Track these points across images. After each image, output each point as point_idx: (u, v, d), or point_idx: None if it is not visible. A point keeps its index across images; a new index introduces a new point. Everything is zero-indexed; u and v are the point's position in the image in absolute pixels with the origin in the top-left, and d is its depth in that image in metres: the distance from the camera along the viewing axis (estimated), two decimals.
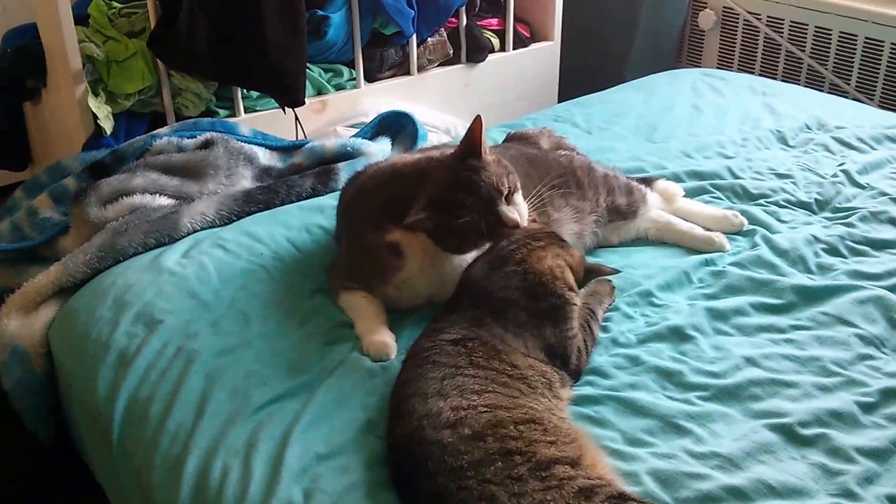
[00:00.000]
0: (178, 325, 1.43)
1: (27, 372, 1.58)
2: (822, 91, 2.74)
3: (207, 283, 1.53)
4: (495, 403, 1.11)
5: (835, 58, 2.81)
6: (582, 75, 3.07)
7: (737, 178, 1.89)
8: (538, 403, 1.15)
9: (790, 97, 2.37)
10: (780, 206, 1.79)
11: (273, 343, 1.39)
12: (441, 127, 2.55)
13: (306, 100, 2.35)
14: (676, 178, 1.87)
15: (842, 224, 1.72)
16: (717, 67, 3.06)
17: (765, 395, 1.26)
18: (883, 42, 2.68)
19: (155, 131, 2.03)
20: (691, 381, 1.29)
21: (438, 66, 2.73)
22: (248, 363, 1.34)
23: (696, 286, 1.54)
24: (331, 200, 1.74)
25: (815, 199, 1.82)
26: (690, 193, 1.82)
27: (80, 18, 2.20)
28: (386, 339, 1.36)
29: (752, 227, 1.70)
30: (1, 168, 2.53)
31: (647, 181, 1.78)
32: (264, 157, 1.98)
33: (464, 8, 2.68)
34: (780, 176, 1.91)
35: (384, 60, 2.61)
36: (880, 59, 2.70)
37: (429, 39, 2.67)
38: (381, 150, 2.01)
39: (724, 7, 3.06)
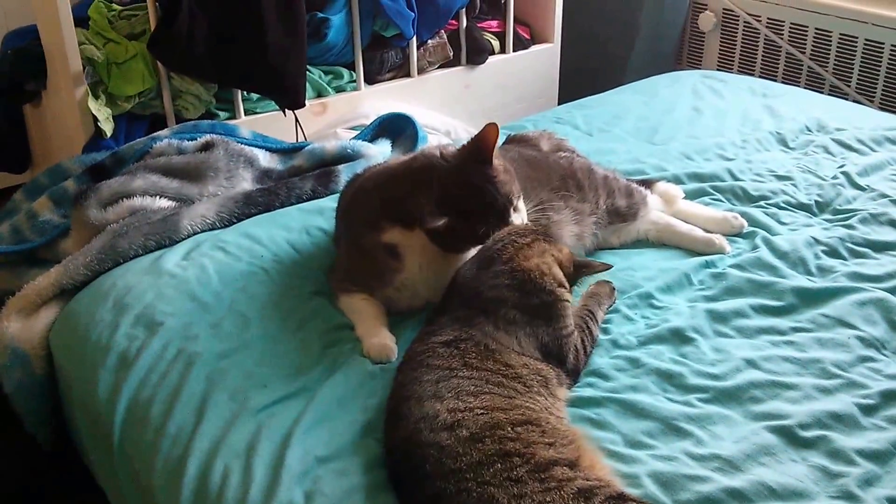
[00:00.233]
0: (178, 327, 1.43)
1: (27, 374, 1.58)
2: (822, 93, 2.74)
3: (208, 285, 1.53)
4: (491, 405, 1.11)
5: (835, 60, 2.81)
6: (582, 77, 3.07)
7: (737, 179, 1.89)
8: (535, 403, 1.15)
9: (790, 99, 2.37)
10: (781, 208, 1.79)
11: (273, 345, 1.39)
12: (441, 129, 2.55)
13: (306, 102, 2.35)
14: (677, 180, 1.87)
15: (842, 226, 1.72)
16: (718, 69, 3.06)
17: (765, 397, 1.26)
18: (883, 44, 2.68)
19: (155, 133, 2.03)
20: (692, 383, 1.29)
21: (438, 68, 2.74)
22: (248, 365, 1.34)
23: (696, 288, 1.54)
24: (331, 202, 1.74)
25: (816, 201, 1.82)
26: (690, 195, 1.82)
27: (81, 20, 2.20)
28: (386, 342, 1.36)
29: (752, 228, 1.70)
30: (1, 170, 2.53)
31: (648, 183, 1.78)
32: (264, 159, 1.98)
33: (464, 10, 2.68)
34: (781, 178, 1.91)
35: (384, 62, 2.61)
36: (880, 61, 2.70)
37: (429, 41, 2.67)
38: (381, 153, 2.01)
39: (725, 9, 3.06)
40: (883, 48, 2.68)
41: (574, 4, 3.00)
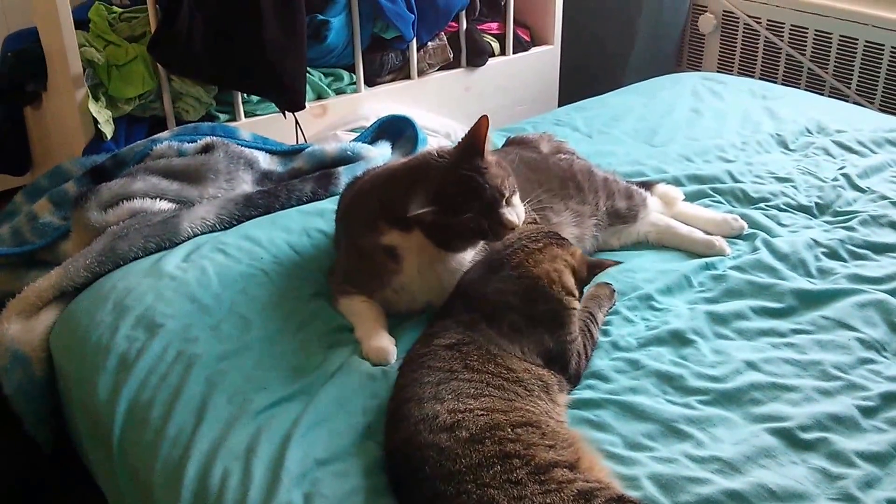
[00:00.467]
0: (178, 329, 1.43)
1: (27, 376, 1.57)
2: (822, 95, 2.74)
3: (208, 287, 1.53)
4: (491, 407, 1.11)
5: (835, 61, 2.81)
6: (582, 79, 3.07)
7: (737, 181, 1.89)
8: (535, 406, 1.15)
9: (790, 101, 2.37)
10: (781, 210, 1.79)
11: (273, 347, 1.39)
12: (441, 131, 2.55)
13: (306, 104, 2.36)
14: (676, 182, 1.87)
15: (842, 228, 1.72)
16: (718, 71, 3.07)
17: (765, 399, 1.26)
18: (883, 46, 2.68)
19: (155, 136, 2.03)
20: (692, 385, 1.29)
21: (439, 70, 2.74)
22: (248, 367, 1.34)
23: (696, 290, 1.54)
24: (331, 205, 1.74)
25: (816, 203, 1.82)
26: (690, 197, 1.82)
27: (81, 23, 2.20)
28: (386, 344, 1.36)
29: (752, 230, 1.70)
30: (1, 172, 2.53)
31: (647, 185, 1.78)
32: (265, 161, 1.98)
33: (464, 12, 2.69)
34: (781, 180, 1.91)
35: (384, 65, 2.62)
36: (880, 63, 2.70)
37: (429, 43, 2.68)
38: (381, 155, 2.01)
39: (725, 11, 3.07)
40: (883, 50, 2.68)
41: (574, 6, 3.00)
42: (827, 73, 2.84)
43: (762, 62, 3.01)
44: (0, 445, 1.78)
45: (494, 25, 2.85)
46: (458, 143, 1.41)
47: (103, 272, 1.61)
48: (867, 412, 1.24)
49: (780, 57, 2.96)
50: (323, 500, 1.10)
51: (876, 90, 2.74)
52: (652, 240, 1.68)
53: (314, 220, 1.75)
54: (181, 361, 1.36)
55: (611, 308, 1.47)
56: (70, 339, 1.53)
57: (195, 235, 1.71)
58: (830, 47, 2.81)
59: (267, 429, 1.21)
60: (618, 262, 1.39)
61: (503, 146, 1.90)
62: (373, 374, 1.31)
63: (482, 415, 1.09)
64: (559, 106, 2.83)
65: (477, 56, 2.76)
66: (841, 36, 2.77)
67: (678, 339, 1.39)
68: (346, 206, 1.58)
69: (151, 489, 1.21)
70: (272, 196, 1.83)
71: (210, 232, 1.73)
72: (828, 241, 1.65)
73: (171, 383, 1.33)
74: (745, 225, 1.70)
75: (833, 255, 1.63)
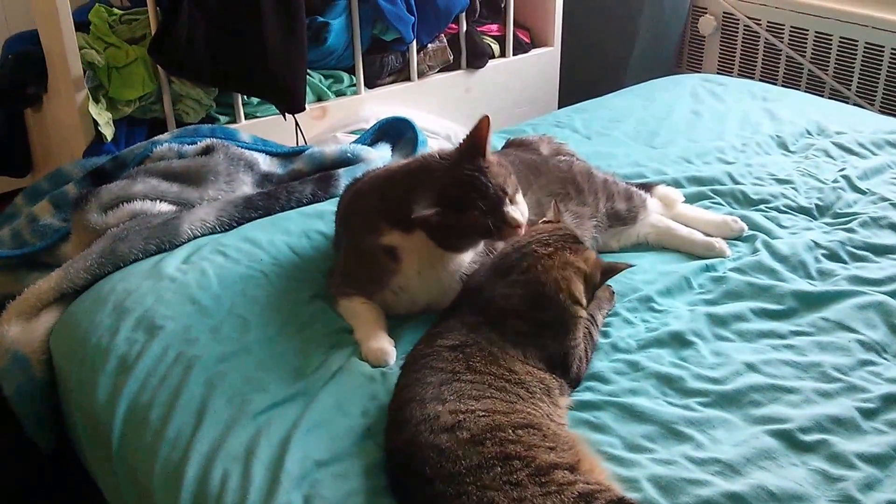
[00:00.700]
0: (178, 331, 1.43)
1: (27, 378, 1.58)
2: (822, 96, 2.74)
3: (208, 289, 1.53)
4: (493, 408, 1.11)
5: (835, 63, 2.81)
6: (582, 81, 3.07)
7: (737, 183, 1.89)
8: (536, 409, 1.15)
9: (790, 102, 2.37)
10: (781, 212, 1.79)
11: (273, 349, 1.39)
12: (441, 133, 2.55)
13: (306, 106, 2.36)
14: (676, 184, 1.87)
15: (842, 229, 1.72)
16: (718, 73, 3.07)
17: (765, 400, 1.26)
18: (883, 47, 2.68)
19: (155, 137, 2.03)
20: (691, 387, 1.29)
21: (439, 72, 2.74)
22: (247, 369, 1.34)
23: (696, 292, 1.54)
24: (331, 206, 1.74)
25: (816, 205, 1.82)
26: (690, 199, 1.82)
27: (81, 25, 2.20)
28: (385, 346, 1.36)
29: (752, 232, 1.70)
30: (2, 174, 2.53)
31: (647, 187, 1.78)
32: (264, 163, 1.98)
33: (464, 14, 2.69)
34: (781, 181, 1.91)
35: (384, 66, 2.62)
36: (881, 65, 2.70)
37: (429, 45, 2.68)
38: (381, 157, 2.01)
39: (725, 13, 3.07)
40: (883, 52, 2.68)
41: (574, 8, 3.00)
42: (827, 74, 2.84)
43: (762, 64, 3.01)
44: (0, 446, 1.78)
45: (494, 27, 2.85)
46: (460, 143, 1.41)
47: (103, 274, 1.61)
48: (867, 414, 1.24)
49: (780, 59, 2.96)
50: (322, 502, 1.10)
51: (876, 92, 2.74)
52: (652, 241, 1.68)
53: (314, 221, 1.75)
54: (181, 363, 1.36)
55: (610, 310, 1.47)
56: (70, 340, 1.53)
57: (195, 237, 1.71)
58: (830, 49, 2.81)
59: (266, 430, 1.21)
60: (630, 265, 1.37)
61: (503, 148, 1.90)
62: (372, 376, 1.31)
63: (483, 416, 1.08)
64: (559, 108, 2.83)
65: (477, 58, 2.76)
66: (841, 38, 2.77)
67: (678, 341, 1.39)
68: (346, 207, 1.58)
69: (151, 490, 1.21)
70: (272, 198, 1.83)
71: (210, 234, 1.73)
72: (828, 243, 1.65)
73: (170, 385, 1.33)
74: (745, 226, 1.70)
75: (833, 256, 1.63)
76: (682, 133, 2.17)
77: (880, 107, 2.73)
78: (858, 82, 2.77)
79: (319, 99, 2.51)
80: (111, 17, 2.28)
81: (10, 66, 2.30)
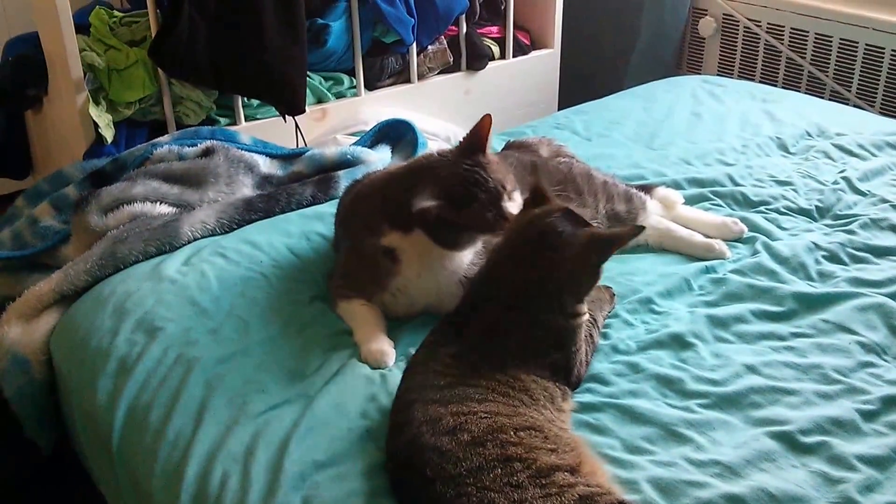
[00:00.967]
0: (178, 332, 1.43)
1: (28, 379, 1.58)
2: (822, 98, 2.74)
3: (208, 290, 1.54)
4: (496, 411, 1.10)
5: (835, 65, 2.82)
6: (582, 82, 3.08)
7: (737, 185, 1.89)
8: (539, 414, 1.14)
9: (790, 104, 2.37)
10: (781, 214, 1.79)
11: (272, 350, 1.39)
12: (441, 135, 2.55)
13: (307, 108, 2.36)
14: (676, 186, 1.87)
15: (842, 231, 1.72)
16: (718, 74, 3.07)
17: (765, 402, 1.26)
18: (883, 49, 2.68)
19: (155, 140, 2.03)
20: (691, 389, 1.29)
21: (439, 73, 2.74)
22: (247, 370, 1.34)
23: (696, 293, 1.54)
24: (331, 208, 1.74)
25: (816, 206, 1.82)
26: (690, 200, 1.82)
27: (82, 27, 2.21)
28: (384, 347, 1.36)
29: (752, 234, 1.70)
30: (2, 176, 2.54)
31: (647, 188, 1.78)
32: (265, 165, 1.98)
33: (464, 16, 2.69)
34: (781, 183, 1.91)
35: (384, 68, 2.62)
36: (881, 66, 2.70)
37: (429, 47, 2.68)
38: (381, 159, 2.01)
39: (725, 14, 3.07)
40: (883, 53, 2.68)
41: (574, 10, 3.00)
42: (827, 76, 2.84)
43: (762, 65, 3.01)
44: (0, 452, 1.78)
45: (494, 29, 2.85)
46: (461, 140, 1.42)
47: (104, 276, 1.61)
48: (868, 416, 1.24)
49: (780, 60, 2.96)
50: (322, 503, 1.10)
51: (876, 93, 2.74)
52: (652, 243, 1.68)
53: (314, 223, 1.75)
54: (181, 364, 1.36)
55: (610, 311, 1.47)
56: (70, 342, 1.53)
57: (195, 239, 1.71)
58: (831, 50, 2.81)
59: (266, 431, 1.21)
60: (640, 228, 1.28)
61: (502, 150, 1.90)
62: (372, 378, 1.31)
63: (485, 417, 1.08)
64: (559, 109, 2.83)
65: (477, 60, 2.77)
66: (841, 39, 2.77)
67: (678, 343, 1.39)
68: (346, 209, 1.59)
69: (151, 492, 1.21)
70: (272, 200, 1.83)
71: (210, 236, 1.73)
72: (828, 245, 1.65)
73: (170, 386, 1.33)
74: (745, 228, 1.70)
75: (833, 258, 1.63)
76: (682, 134, 2.17)
77: (880, 108, 2.73)
78: (858, 84, 2.77)
79: (319, 101, 2.51)
80: (111, 19, 2.28)
81: (10, 68, 2.30)
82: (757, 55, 3.02)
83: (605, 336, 1.41)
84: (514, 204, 1.37)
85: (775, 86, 2.86)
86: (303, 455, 1.17)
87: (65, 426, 1.63)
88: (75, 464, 1.61)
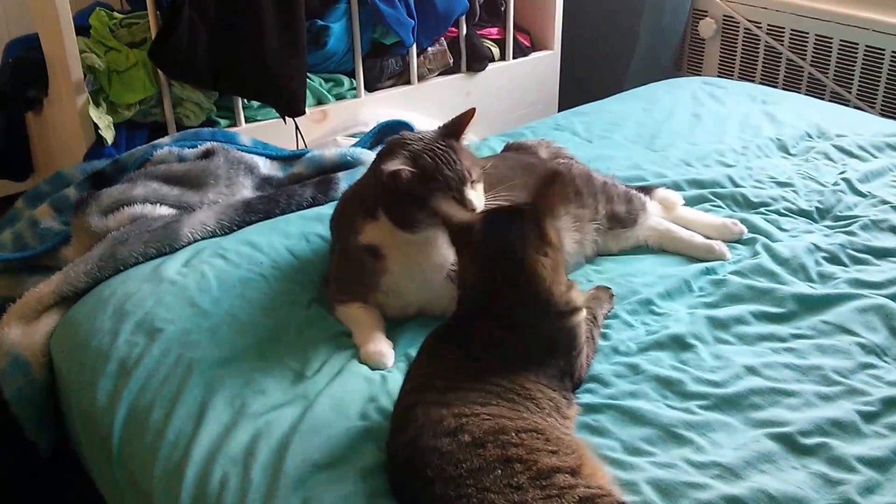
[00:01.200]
0: (178, 333, 1.43)
1: (28, 381, 1.58)
2: (822, 99, 2.74)
3: (207, 292, 1.54)
4: (498, 413, 1.10)
5: (835, 66, 2.82)
6: (582, 84, 3.08)
7: (737, 186, 1.89)
8: (543, 421, 1.14)
9: (791, 105, 2.37)
10: (781, 215, 1.79)
11: (272, 352, 1.39)
12: None
13: (306, 109, 2.36)
14: (676, 187, 1.87)
15: (843, 232, 1.71)
16: (718, 76, 3.07)
17: (765, 404, 1.26)
18: (884, 50, 2.68)
19: (156, 141, 2.03)
20: (691, 390, 1.29)
21: (438, 75, 2.74)
22: (247, 372, 1.34)
23: (696, 295, 1.54)
24: (330, 210, 1.74)
25: (816, 208, 1.81)
26: (690, 202, 1.82)
27: (82, 29, 2.21)
28: (382, 349, 1.36)
29: (752, 235, 1.70)
30: (2, 178, 2.54)
31: (647, 190, 1.78)
32: (265, 166, 1.98)
33: (464, 17, 2.69)
34: (781, 184, 1.90)
35: (384, 70, 2.62)
36: (881, 68, 2.70)
37: (429, 49, 2.68)
38: None
39: (725, 16, 3.07)
40: (883, 54, 2.68)
41: (574, 11, 3.00)
42: (827, 77, 2.84)
43: (762, 67, 3.01)
44: (0, 457, 1.78)
45: (494, 30, 2.85)
46: (439, 126, 1.45)
47: (104, 277, 1.61)
48: (868, 417, 1.23)
49: (780, 61, 2.96)
50: None
51: (876, 94, 2.74)
52: (652, 244, 1.68)
53: (314, 225, 1.75)
54: (181, 366, 1.36)
55: (610, 310, 1.47)
56: (70, 343, 1.53)
57: (195, 241, 1.71)
58: (831, 52, 2.81)
59: (266, 433, 1.21)
60: (558, 173, 1.23)
61: (502, 151, 1.91)
62: (371, 379, 1.31)
63: (487, 419, 1.08)
64: (559, 111, 2.83)
65: (477, 61, 2.77)
66: (841, 40, 2.77)
67: (678, 344, 1.39)
68: (335, 213, 1.59)
69: (151, 493, 1.21)
70: (272, 201, 1.84)
71: (210, 237, 1.73)
72: (828, 246, 1.65)
73: (170, 388, 1.33)
74: (745, 229, 1.70)
75: (834, 259, 1.62)
76: (682, 136, 2.17)
77: (881, 110, 2.73)
78: (859, 85, 2.77)
79: (319, 102, 2.52)
80: (112, 20, 2.29)
81: (10, 70, 2.30)
82: (757, 57, 3.02)
83: (605, 337, 1.41)
84: (475, 194, 1.38)
85: (775, 87, 2.86)
86: (303, 456, 1.17)
87: (64, 427, 1.63)
88: (75, 464, 1.61)
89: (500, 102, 2.82)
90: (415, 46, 2.61)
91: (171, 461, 1.21)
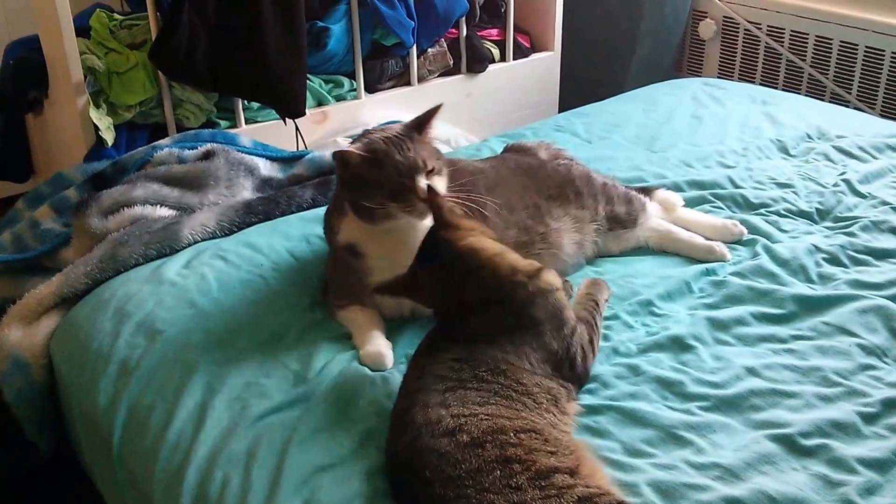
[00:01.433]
0: (178, 335, 1.43)
1: (28, 382, 1.58)
2: (822, 100, 2.74)
3: (208, 293, 1.54)
4: (496, 413, 1.10)
5: (835, 67, 2.82)
6: (582, 85, 3.08)
7: (737, 187, 1.89)
8: (541, 418, 1.14)
9: (791, 106, 2.37)
10: (781, 216, 1.79)
11: (272, 353, 1.39)
12: (442, 137, 2.55)
13: (307, 111, 2.36)
14: (677, 188, 1.87)
15: (843, 233, 1.71)
16: (718, 77, 3.07)
17: (766, 405, 1.26)
18: (883, 51, 2.68)
19: (156, 142, 2.03)
20: (692, 392, 1.29)
21: (439, 76, 2.74)
22: (247, 373, 1.34)
23: (696, 296, 1.54)
24: None
25: (816, 209, 1.81)
26: (691, 203, 1.82)
27: (82, 30, 2.21)
28: (382, 350, 1.36)
29: (752, 236, 1.70)
30: (3, 179, 2.54)
31: (647, 191, 1.78)
32: (265, 167, 1.98)
33: (464, 18, 2.69)
34: (781, 185, 1.90)
35: (384, 71, 2.62)
36: (881, 69, 2.70)
37: (429, 50, 2.68)
38: None
39: (725, 17, 3.07)
40: (883, 55, 2.69)
41: (574, 12, 3.00)
42: (827, 78, 2.84)
43: (762, 68, 3.01)
44: (0, 459, 1.78)
45: (494, 32, 2.85)
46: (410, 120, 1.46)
47: (104, 279, 1.61)
48: (868, 418, 1.23)
49: (780, 62, 2.96)
50: None
51: (877, 95, 2.74)
52: (652, 245, 1.68)
53: (314, 226, 1.75)
54: (181, 367, 1.36)
55: (609, 296, 1.46)
56: (71, 345, 1.53)
57: (195, 242, 1.71)
58: (831, 53, 2.81)
59: (266, 435, 1.21)
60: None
61: (501, 153, 1.91)
62: (372, 380, 1.31)
63: (486, 419, 1.08)
64: (559, 112, 2.83)
65: (477, 62, 2.77)
66: (841, 41, 2.77)
67: (678, 345, 1.39)
68: (324, 215, 1.60)
69: (151, 495, 1.21)
70: (272, 202, 1.84)
71: (210, 238, 1.73)
72: (828, 247, 1.65)
73: (171, 389, 1.33)
74: (745, 230, 1.70)
75: (834, 260, 1.62)
76: (682, 137, 2.17)
77: (881, 110, 2.73)
78: (859, 86, 2.78)
79: (320, 104, 2.52)
80: (112, 22, 2.29)
81: (10, 72, 2.31)
82: (757, 58, 3.02)
83: (605, 338, 1.41)
84: (431, 181, 1.37)
85: (775, 88, 2.86)
86: (303, 458, 1.17)
87: (65, 428, 1.63)
88: (75, 465, 1.61)
89: (500, 103, 2.82)
90: (415, 48, 2.61)
91: (172, 462, 1.21)
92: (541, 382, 1.19)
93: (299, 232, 1.73)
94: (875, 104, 2.75)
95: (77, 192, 1.91)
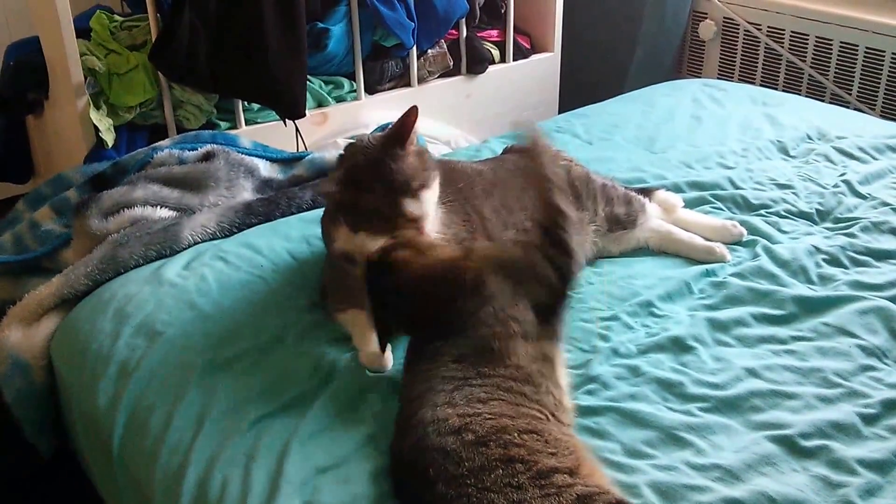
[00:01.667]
0: (178, 336, 1.43)
1: (28, 383, 1.58)
2: (823, 101, 2.74)
3: (208, 295, 1.54)
4: (500, 412, 1.10)
5: (836, 68, 2.82)
6: (582, 86, 3.08)
7: (737, 188, 1.89)
8: (542, 408, 1.14)
9: (791, 107, 2.37)
10: (781, 217, 1.79)
11: (272, 354, 1.39)
12: (441, 138, 2.56)
13: (307, 112, 2.36)
14: (677, 189, 1.87)
15: (843, 234, 1.71)
16: (718, 78, 3.07)
17: (766, 406, 1.26)
18: (884, 52, 2.68)
19: (156, 143, 2.03)
20: (692, 393, 1.29)
21: (439, 77, 2.74)
22: (247, 375, 1.34)
23: (696, 297, 1.54)
24: None
25: (817, 210, 1.81)
26: (691, 204, 1.82)
27: (82, 31, 2.21)
28: (380, 350, 1.36)
29: (752, 237, 1.70)
30: (3, 181, 2.54)
31: (647, 192, 1.78)
32: (265, 169, 1.98)
33: (464, 19, 2.69)
34: (781, 186, 1.90)
35: (385, 72, 2.62)
36: (881, 69, 2.70)
37: (429, 51, 2.68)
38: None
39: (725, 18, 3.07)
40: (884, 56, 2.69)
41: (574, 13, 3.00)
42: (827, 79, 2.84)
43: (763, 69, 3.01)
44: (0, 460, 1.78)
45: (494, 33, 2.86)
46: (387, 129, 1.43)
47: (104, 280, 1.61)
48: (868, 419, 1.23)
49: (780, 63, 2.96)
50: None
51: (877, 96, 2.74)
52: (652, 246, 1.68)
53: (314, 227, 1.74)
54: (181, 369, 1.36)
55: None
56: (71, 346, 1.53)
57: (196, 243, 1.71)
58: (831, 54, 2.81)
59: (266, 436, 1.21)
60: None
61: (501, 154, 1.90)
62: (372, 381, 1.31)
63: (490, 418, 1.08)
64: (559, 113, 2.83)
65: (477, 63, 2.77)
66: (841, 42, 2.77)
67: (678, 346, 1.39)
68: (321, 219, 1.60)
69: (151, 495, 1.21)
70: (272, 204, 1.84)
71: (210, 240, 1.73)
72: (829, 248, 1.65)
73: (171, 391, 1.33)
74: (745, 231, 1.70)
75: (834, 261, 1.62)
76: (682, 138, 2.17)
77: (881, 111, 2.73)
78: (859, 87, 2.78)
79: (320, 105, 2.52)
80: (112, 23, 2.29)
81: (11, 73, 2.31)
82: (757, 59, 3.02)
83: (605, 339, 1.41)
84: (417, 203, 1.36)
85: (776, 89, 2.86)
86: (303, 459, 1.17)
87: (65, 429, 1.63)
88: (75, 465, 1.61)
89: (500, 105, 2.83)
90: (415, 49, 2.61)
91: (172, 463, 1.21)
92: (533, 352, 1.18)
93: (299, 233, 1.73)
94: (875, 105, 2.75)
95: (77, 194, 1.91)
